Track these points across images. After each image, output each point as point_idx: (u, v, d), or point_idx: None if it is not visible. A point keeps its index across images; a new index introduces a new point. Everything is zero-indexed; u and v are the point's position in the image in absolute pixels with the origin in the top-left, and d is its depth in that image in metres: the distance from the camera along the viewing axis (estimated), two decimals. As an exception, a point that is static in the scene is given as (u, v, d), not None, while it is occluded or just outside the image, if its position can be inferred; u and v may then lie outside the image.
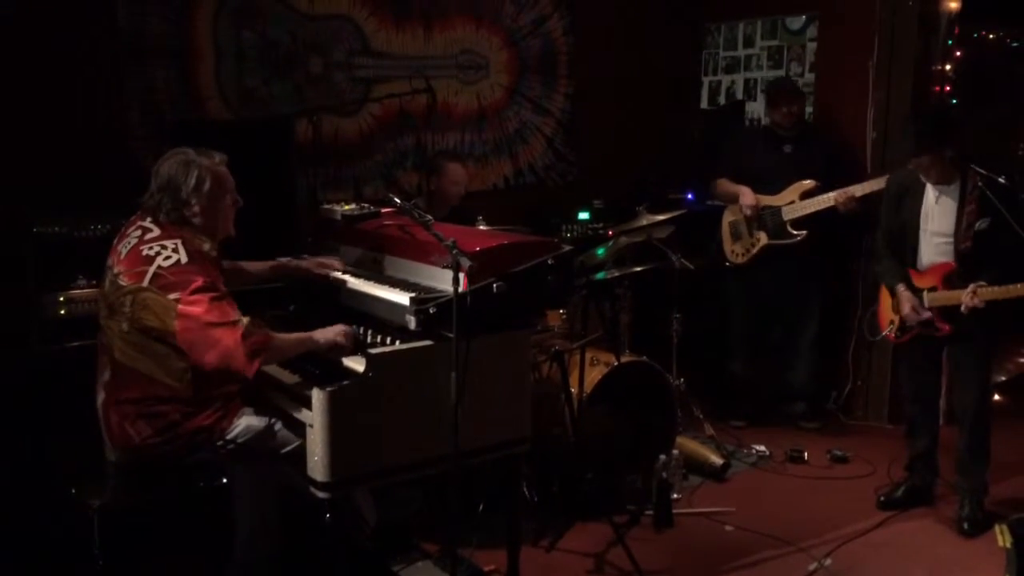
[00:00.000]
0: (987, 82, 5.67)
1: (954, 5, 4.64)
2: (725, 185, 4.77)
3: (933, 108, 3.91)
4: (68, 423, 2.94)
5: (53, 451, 2.99)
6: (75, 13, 3.83)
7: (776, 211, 4.60)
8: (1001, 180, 3.39)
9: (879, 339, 3.98)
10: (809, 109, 5.10)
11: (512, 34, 5.22)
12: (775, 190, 4.61)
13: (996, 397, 5.07)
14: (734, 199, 4.71)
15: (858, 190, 4.35)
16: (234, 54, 4.28)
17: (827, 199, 4.42)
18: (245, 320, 2.62)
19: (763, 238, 4.64)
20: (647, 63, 5.65)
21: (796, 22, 5.22)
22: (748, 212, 4.63)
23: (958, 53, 4.73)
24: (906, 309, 3.64)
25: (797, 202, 4.54)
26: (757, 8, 5.39)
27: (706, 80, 5.75)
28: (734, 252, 4.79)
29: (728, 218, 4.82)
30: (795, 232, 4.55)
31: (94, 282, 3.32)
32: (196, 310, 2.58)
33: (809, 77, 5.14)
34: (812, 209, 4.49)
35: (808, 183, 4.52)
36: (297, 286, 3.33)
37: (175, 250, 2.66)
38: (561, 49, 5.44)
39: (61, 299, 3.31)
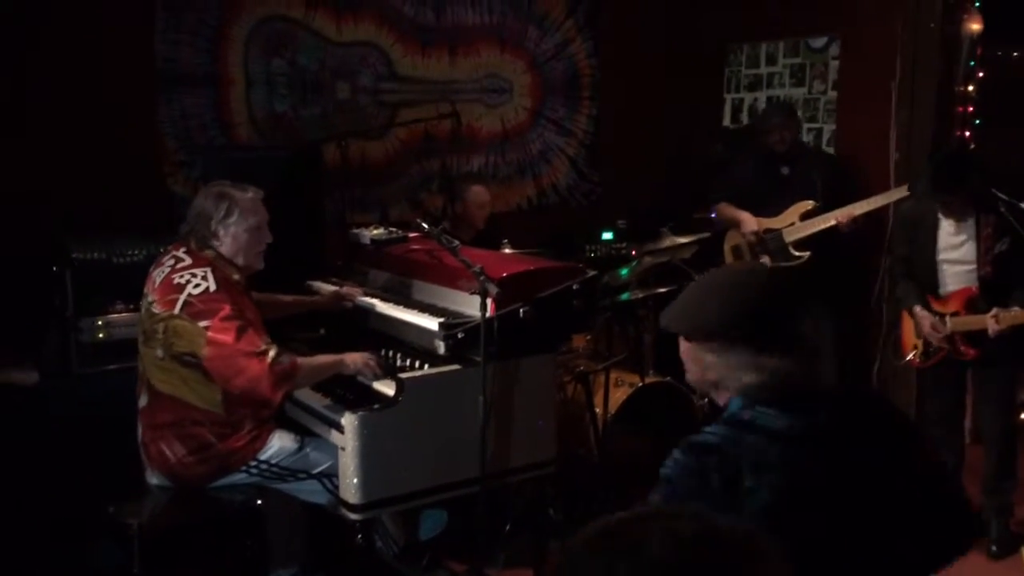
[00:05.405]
0: (1011, 102, 5.66)
1: (976, 26, 4.64)
2: (726, 210, 4.72)
3: (950, 151, 3.89)
4: (108, 444, 3.02)
5: (94, 472, 3.06)
6: (111, 41, 3.95)
7: (777, 234, 4.54)
8: (1023, 206, 3.37)
9: (903, 364, 3.98)
10: (832, 127, 5.13)
11: (536, 58, 5.29)
12: (775, 212, 4.58)
13: (1022, 416, 5.04)
14: (736, 225, 4.68)
15: (858, 208, 4.30)
16: (264, 81, 4.38)
17: (828, 218, 4.38)
18: (272, 351, 2.67)
19: (767, 261, 4.58)
20: (669, 83, 5.70)
21: (818, 40, 5.24)
22: (752, 238, 4.60)
23: (981, 74, 4.73)
24: (926, 327, 3.64)
25: (797, 223, 4.49)
26: (778, 31, 5.42)
27: (728, 98, 5.79)
28: None
29: (730, 243, 4.78)
30: (798, 253, 4.50)
31: (131, 307, 3.40)
32: (225, 338, 2.65)
33: (832, 95, 5.16)
34: (813, 229, 4.43)
35: (807, 204, 4.47)
36: (327, 311, 3.40)
37: (204, 278, 2.74)
38: (584, 72, 5.50)
39: (99, 323, 3.38)
